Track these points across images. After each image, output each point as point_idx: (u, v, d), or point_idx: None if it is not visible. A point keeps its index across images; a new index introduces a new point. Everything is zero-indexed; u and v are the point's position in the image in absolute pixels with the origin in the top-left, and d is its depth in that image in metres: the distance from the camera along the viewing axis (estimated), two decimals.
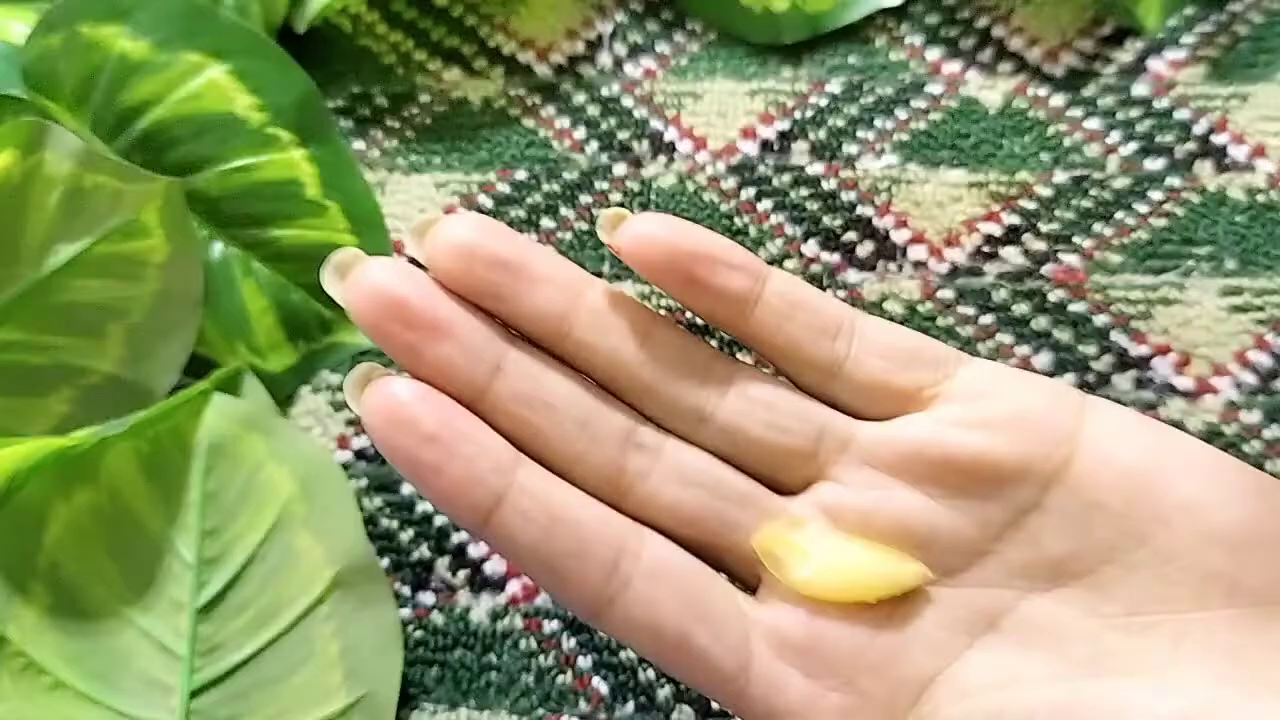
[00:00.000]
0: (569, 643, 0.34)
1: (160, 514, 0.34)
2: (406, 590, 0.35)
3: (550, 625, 0.34)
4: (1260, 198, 0.38)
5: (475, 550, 0.35)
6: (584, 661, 0.34)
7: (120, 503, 0.34)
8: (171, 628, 0.33)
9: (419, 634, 0.34)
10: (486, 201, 0.39)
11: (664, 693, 0.33)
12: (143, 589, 0.33)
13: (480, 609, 0.34)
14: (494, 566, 0.35)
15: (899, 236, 0.38)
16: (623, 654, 0.34)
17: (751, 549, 0.24)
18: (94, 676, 0.33)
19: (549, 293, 0.24)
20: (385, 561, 0.35)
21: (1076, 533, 0.24)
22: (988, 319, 0.37)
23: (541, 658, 0.34)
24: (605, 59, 0.42)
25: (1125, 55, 0.41)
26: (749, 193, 0.39)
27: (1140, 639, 0.23)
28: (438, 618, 0.35)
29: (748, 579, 0.25)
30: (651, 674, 0.33)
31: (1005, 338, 0.36)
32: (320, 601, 0.33)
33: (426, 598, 0.35)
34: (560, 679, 0.34)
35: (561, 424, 0.24)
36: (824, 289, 0.37)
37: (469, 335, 0.23)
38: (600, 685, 0.33)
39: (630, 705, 0.33)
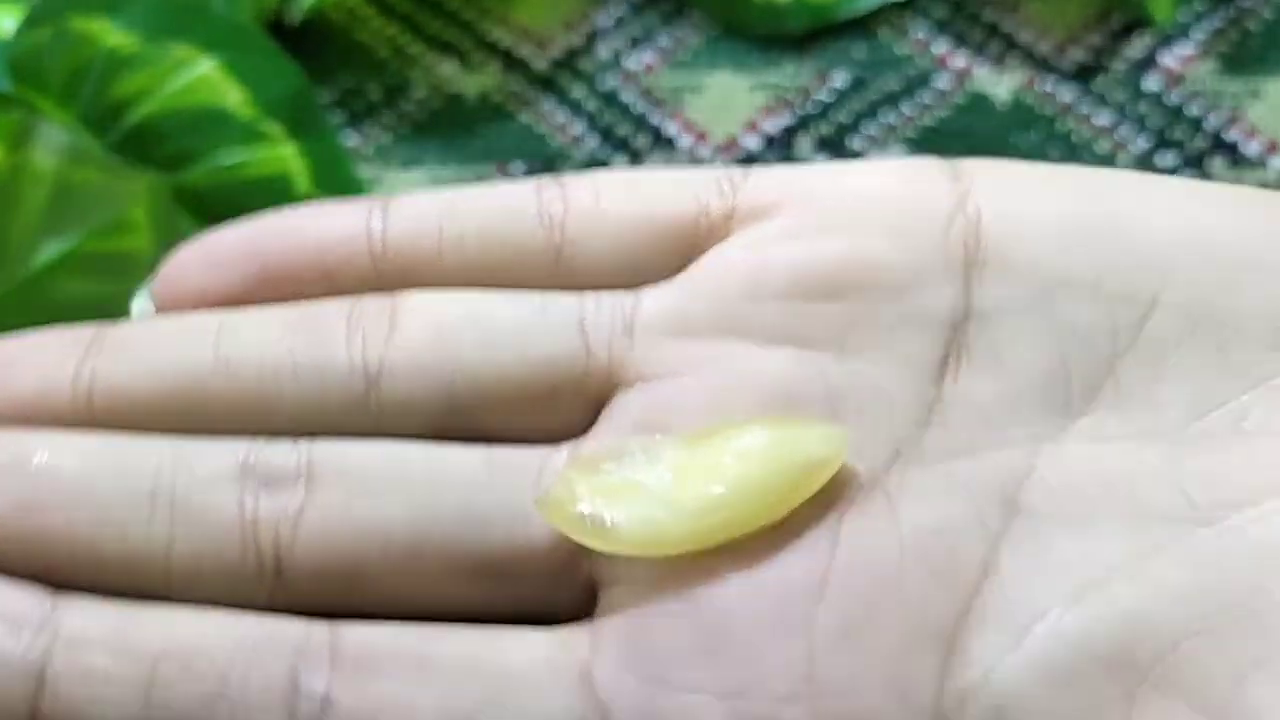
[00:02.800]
0: None
1: None
2: None
3: None
4: None
5: None
6: None
7: None
8: None
9: None
10: None
11: None
12: None
13: None
14: None
15: None
16: None
17: (544, 542, 0.15)
18: None
19: (25, 359, 0.16)
20: None
21: (1048, 331, 0.16)
22: None
23: None
24: (604, 52, 0.41)
25: (1134, 49, 0.41)
26: None
27: (1236, 443, 0.15)
28: None
29: (575, 604, 0.15)
30: None
31: None
32: None
33: None
34: None
35: (107, 508, 0.14)
36: None
37: None
38: None
39: None
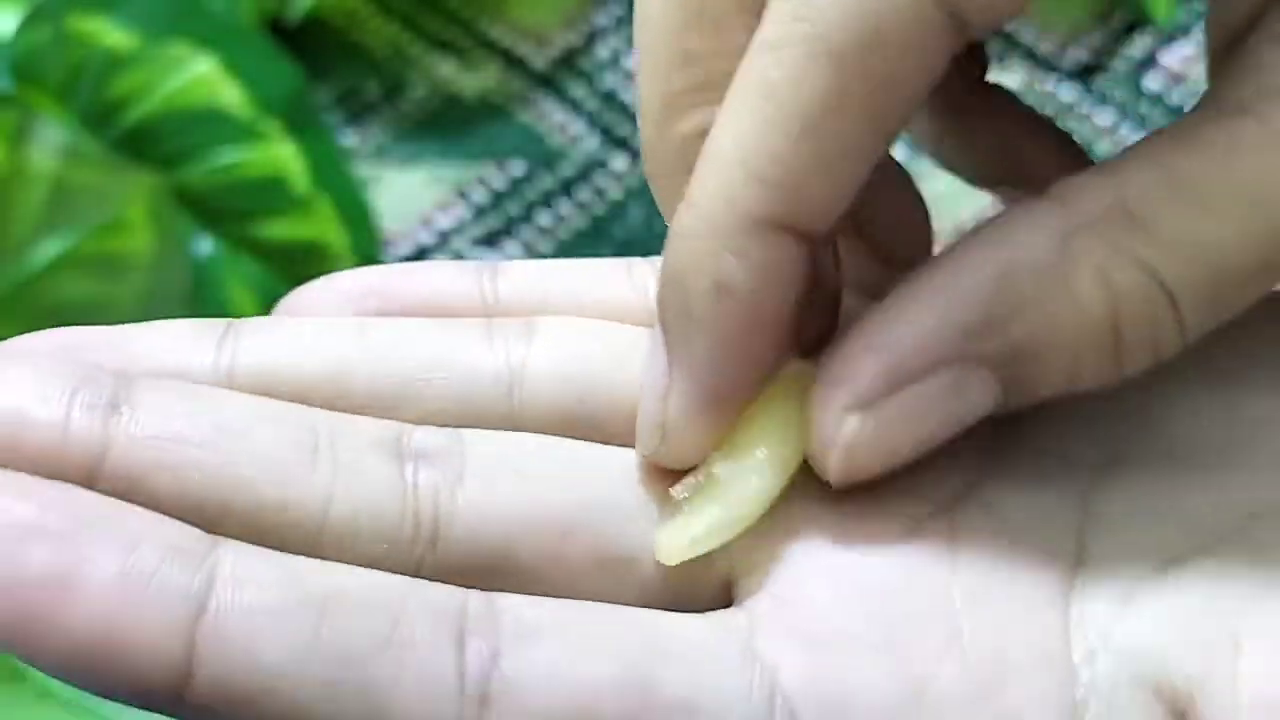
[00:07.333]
0: None
1: None
2: None
3: None
4: None
5: None
6: None
7: None
8: None
9: None
10: (480, 196, 0.39)
11: None
12: None
13: None
14: None
15: None
16: None
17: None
18: None
19: (154, 342, 0.15)
20: None
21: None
22: None
23: None
24: (603, 51, 0.41)
25: (1135, 49, 0.40)
26: None
27: None
28: None
29: (712, 598, 0.15)
30: None
31: None
32: None
33: None
34: None
35: (268, 451, 0.14)
36: None
37: (45, 371, 0.13)
38: None
39: None
